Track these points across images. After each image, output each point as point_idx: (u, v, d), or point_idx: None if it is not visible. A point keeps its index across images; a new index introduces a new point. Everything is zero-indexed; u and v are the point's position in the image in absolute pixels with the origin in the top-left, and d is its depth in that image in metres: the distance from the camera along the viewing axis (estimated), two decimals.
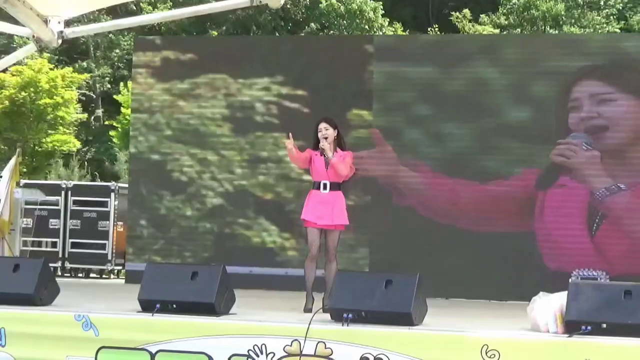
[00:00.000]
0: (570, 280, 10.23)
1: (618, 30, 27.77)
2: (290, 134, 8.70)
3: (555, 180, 11.56)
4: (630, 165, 11.45)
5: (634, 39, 16.25)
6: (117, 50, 31.32)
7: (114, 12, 21.18)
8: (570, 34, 25.25)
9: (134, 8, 24.29)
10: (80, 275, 15.10)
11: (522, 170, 11.65)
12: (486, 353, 6.56)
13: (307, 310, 8.28)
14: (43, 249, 14.77)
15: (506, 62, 11.95)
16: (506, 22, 28.28)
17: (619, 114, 11.47)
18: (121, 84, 27.94)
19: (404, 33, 27.90)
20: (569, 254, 11.39)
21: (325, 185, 8.61)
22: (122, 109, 25.85)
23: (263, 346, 6.93)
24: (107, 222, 15.13)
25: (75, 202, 15.21)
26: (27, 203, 14.39)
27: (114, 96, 27.36)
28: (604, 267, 11.06)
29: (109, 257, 15.03)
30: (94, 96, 31.56)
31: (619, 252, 11.22)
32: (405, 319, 6.99)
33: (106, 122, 29.45)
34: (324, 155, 8.59)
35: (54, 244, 15.02)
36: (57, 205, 15.15)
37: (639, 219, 11.23)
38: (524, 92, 11.77)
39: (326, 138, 8.55)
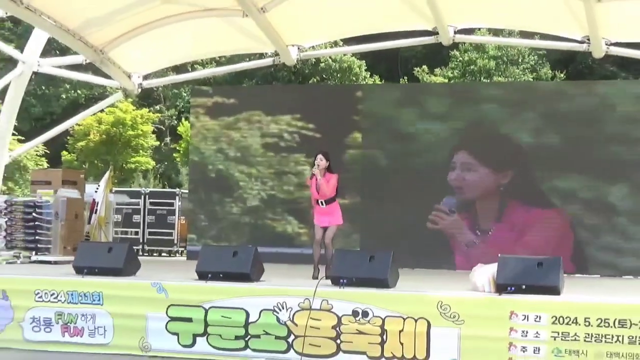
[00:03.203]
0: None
1: (531, 79, 27.33)
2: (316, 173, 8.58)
3: None
4: (480, 214, 11.61)
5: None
6: (180, 99, 31.33)
7: (176, 69, 21.26)
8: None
9: (189, 69, 24.34)
10: (155, 254, 15.13)
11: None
12: (441, 307, 6.54)
13: (315, 277, 8.26)
14: (129, 236, 14.80)
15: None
16: (452, 75, 28.07)
17: (475, 177, 11.61)
18: (182, 119, 27.88)
19: (380, 82, 27.82)
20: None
21: (322, 202, 8.64)
22: (183, 138, 25.83)
23: (284, 303, 6.91)
24: (174, 217, 15.19)
25: (151, 203, 15.27)
26: (117, 204, 14.40)
27: (177, 129, 27.33)
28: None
29: (175, 242, 15.09)
30: (164, 129, 31.52)
31: None
32: (383, 283, 6.99)
33: (172, 147, 29.43)
34: (316, 178, 8.59)
35: (136, 233, 15.07)
36: (139, 205, 15.21)
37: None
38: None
39: (318, 165, 8.56)
